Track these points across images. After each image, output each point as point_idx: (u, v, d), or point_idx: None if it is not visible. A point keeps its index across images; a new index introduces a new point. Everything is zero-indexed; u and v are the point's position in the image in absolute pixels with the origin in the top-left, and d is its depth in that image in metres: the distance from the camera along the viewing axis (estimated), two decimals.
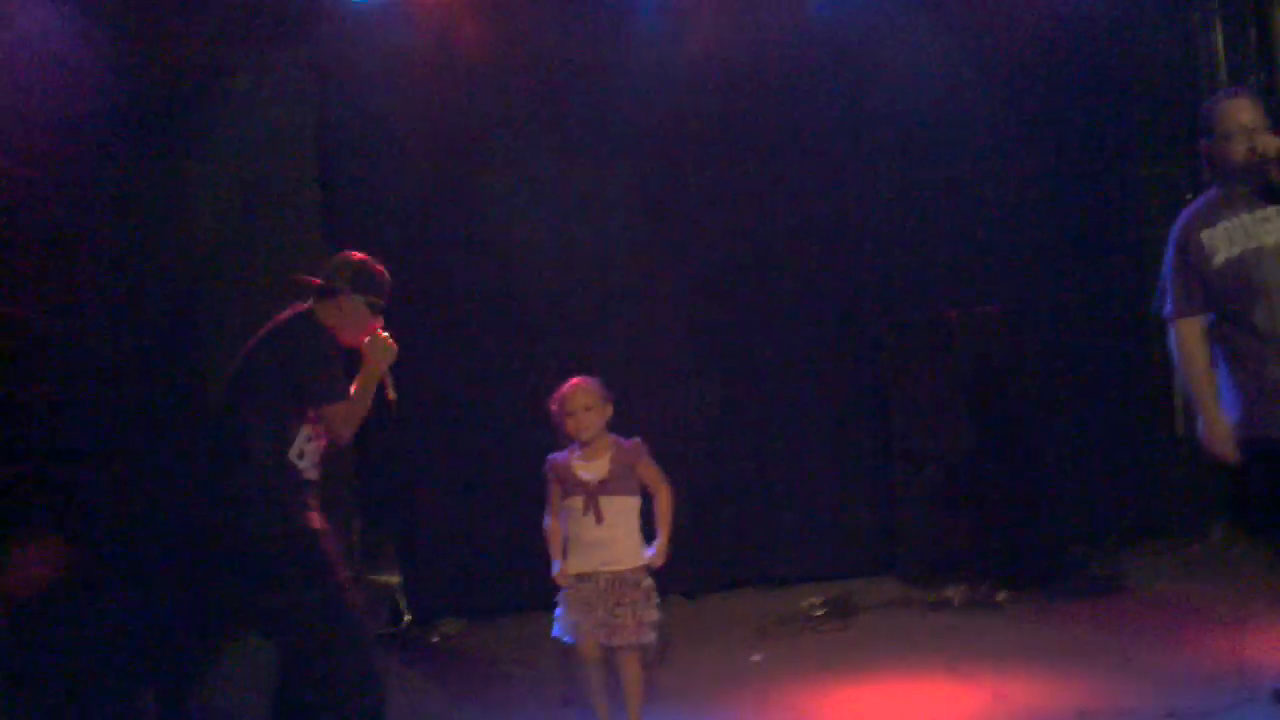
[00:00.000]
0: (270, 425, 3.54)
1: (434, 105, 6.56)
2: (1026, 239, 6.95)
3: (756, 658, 5.30)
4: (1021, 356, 6.43)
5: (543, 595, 4.28)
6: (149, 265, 5.35)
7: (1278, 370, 3.63)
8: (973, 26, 6.86)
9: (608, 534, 4.08)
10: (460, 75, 6.57)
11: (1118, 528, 6.81)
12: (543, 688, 5.00)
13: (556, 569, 4.15)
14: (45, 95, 4.15)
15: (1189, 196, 4.24)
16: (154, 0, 5.41)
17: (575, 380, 4.22)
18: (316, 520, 3.61)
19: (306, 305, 3.74)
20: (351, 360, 3.75)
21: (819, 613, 5.88)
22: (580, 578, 4.10)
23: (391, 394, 3.80)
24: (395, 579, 6.20)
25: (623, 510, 4.12)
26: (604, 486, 4.10)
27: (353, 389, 3.67)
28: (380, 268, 3.84)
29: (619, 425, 4.25)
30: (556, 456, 4.23)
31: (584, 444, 4.16)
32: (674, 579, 4.81)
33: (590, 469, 4.14)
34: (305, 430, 3.58)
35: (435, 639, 6.10)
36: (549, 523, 4.21)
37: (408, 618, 6.21)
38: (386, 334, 3.80)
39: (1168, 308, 3.87)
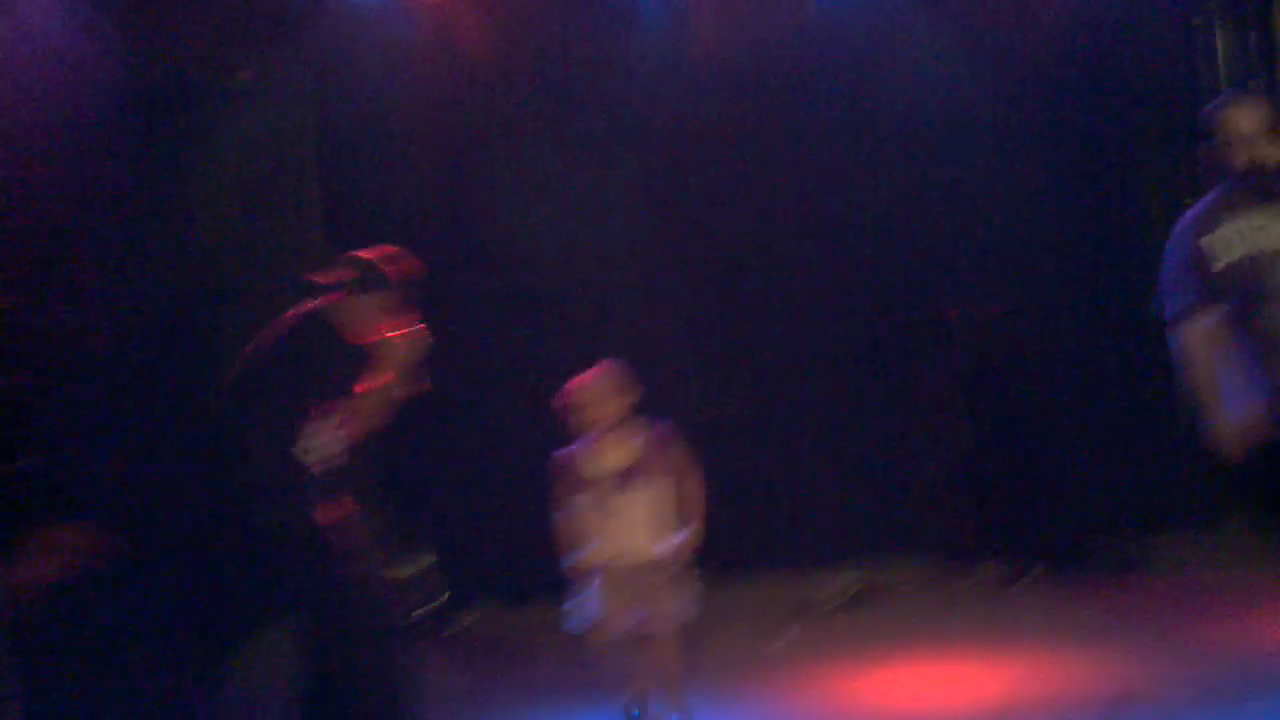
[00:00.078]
0: (274, 422, 3.54)
1: (435, 102, 6.56)
2: (1029, 238, 6.96)
3: (782, 641, 5.34)
4: (1023, 355, 6.45)
5: (568, 582, 4.29)
6: (150, 260, 5.34)
7: None
8: (975, 28, 6.85)
9: (630, 522, 4.07)
10: (462, 72, 6.56)
11: (1131, 520, 6.81)
12: (570, 671, 4.97)
13: (572, 561, 4.14)
14: (47, 90, 4.14)
15: (1188, 200, 4.23)
16: None
17: (581, 376, 4.21)
18: (327, 512, 3.61)
19: (315, 304, 3.74)
20: (363, 360, 3.73)
21: (843, 595, 5.91)
22: (604, 566, 4.08)
23: (413, 388, 3.77)
24: (424, 564, 6.20)
25: (644, 498, 4.10)
26: (628, 474, 4.09)
27: (361, 388, 3.65)
28: (395, 266, 3.82)
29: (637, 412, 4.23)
30: (563, 453, 4.21)
31: (599, 436, 4.14)
32: (699, 564, 4.83)
33: (611, 459, 4.12)
34: (314, 426, 3.57)
35: (464, 624, 6.13)
36: (559, 519, 4.20)
37: (441, 599, 6.20)
38: (404, 332, 3.78)
39: (1169, 311, 3.85)
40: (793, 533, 6.72)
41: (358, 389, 3.64)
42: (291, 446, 3.53)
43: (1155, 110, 6.98)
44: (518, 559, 6.37)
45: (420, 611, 5.99)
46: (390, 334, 3.76)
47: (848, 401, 6.86)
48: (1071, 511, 6.50)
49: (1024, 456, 6.30)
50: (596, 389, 4.15)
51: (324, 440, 3.60)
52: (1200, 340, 3.80)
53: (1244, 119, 3.69)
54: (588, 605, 4.11)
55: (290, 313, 3.74)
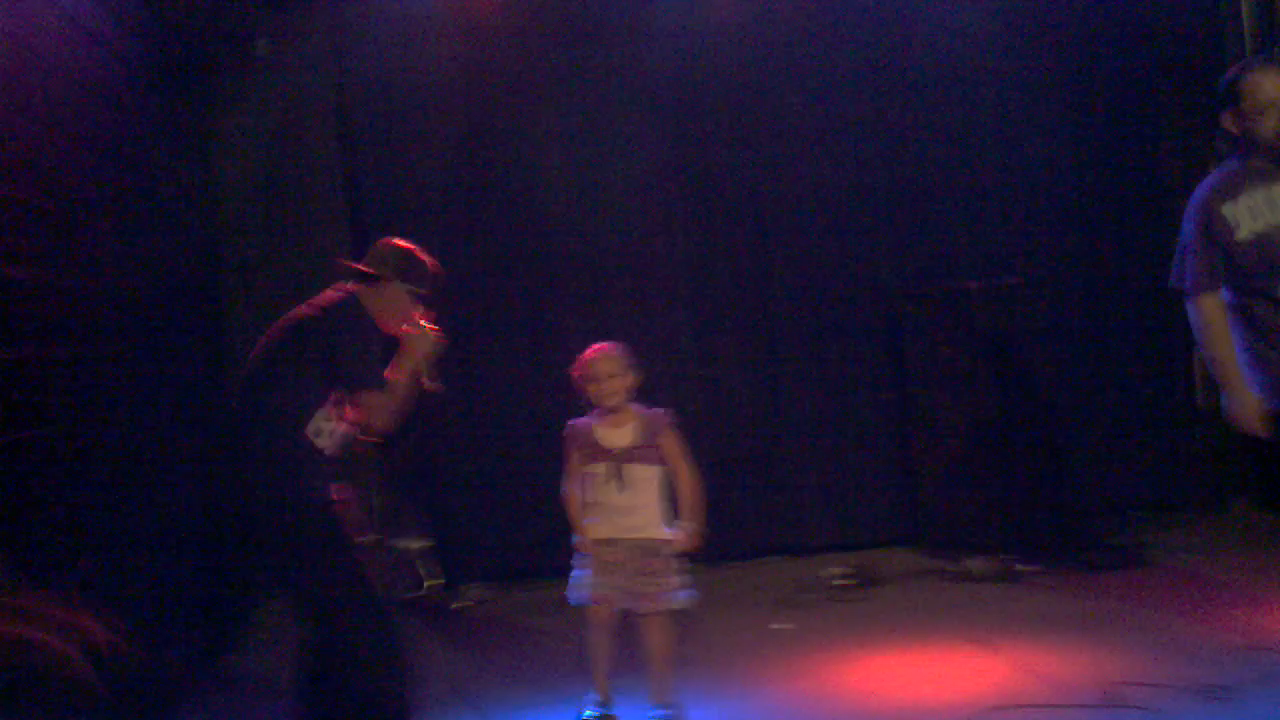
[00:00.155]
0: (290, 400, 3.54)
1: (454, 70, 6.54)
2: (1049, 211, 6.92)
3: (778, 627, 5.33)
4: (1040, 329, 6.42)
5: (567, 560, 4.29)
6: (171, 231, 5.37)
7: None
8: None
9: (631, 501, 4.10)
10: (481, 39, 6.54)
11: (1137, 502, 6.81)
12: (566, 651, 5.03)
13: (578, 532, 4.17)
14: (68, 61, 4.15)
15: (1210, 167, 4.16)
16: None
17: (599, 346, 4.22)
18: (333, 492, 3.63)
19: (349, 288, 3.74)
20: (390, 348, 3.71)
21: (841, 582, 5.90)
22: (603, 544, 4.11)
23: (431, 385, 3.74)
24: (419, 544, 6.25)
25: (646, 478, 4.12)
26: (629, 454, 4.11)
27: (389, 377, 3.63)
28: (426, 258, 3.82)
29: (644, 390, 4.23)
30: (578, 421, 4.24)
31: (608, 411, 4.17)
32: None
33: (614, 436, 4.15)
34: (325, 411, 3.57)
35: (460, 604, 6.16)
36: (567, 489, 4.23)
37: (436, 581, 6.25)
38: (429, 324, 3.76)
39: (1189, 282, 3.79)
40: (790, 518, 6.73)
41: (386, 375, 3.62)
42: (305, 426, 3.53)
43: (1177, 80, 6.91)
44: (516, 538, 6.42)
45: (418, 591, 6.04)
46: (420, 325, 3.73)
47: (868, 372, 6.85)
48: (1074, 496, 6.47)
49: (1027, 439, 6.26)
50: (614, 361, 4.16)
51: (337, 425, 3.60)
52: (1219, 311, 3.73)
53: (1269, 85, 3.60)
54: (588, 579, 4.12)
55: (327, 293, 3.74)
